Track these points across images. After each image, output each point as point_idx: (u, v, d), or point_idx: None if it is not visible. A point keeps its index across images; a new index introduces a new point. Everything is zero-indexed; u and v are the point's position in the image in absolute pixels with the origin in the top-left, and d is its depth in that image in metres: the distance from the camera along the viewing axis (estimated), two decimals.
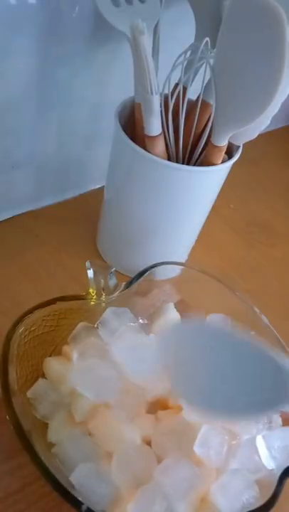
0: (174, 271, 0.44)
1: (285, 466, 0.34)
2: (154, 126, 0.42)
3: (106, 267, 0.41)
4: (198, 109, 0.43)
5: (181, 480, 0.33)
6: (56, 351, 0.40)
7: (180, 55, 0.42)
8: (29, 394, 0.36)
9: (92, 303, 0.40)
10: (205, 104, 0.44)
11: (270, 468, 0.35)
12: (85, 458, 0.33)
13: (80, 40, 0.45)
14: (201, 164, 0.45)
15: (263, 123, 0.43)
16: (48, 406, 0.36)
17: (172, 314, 0.42)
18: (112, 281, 0.41)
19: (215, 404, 0.31)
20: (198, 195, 0.46)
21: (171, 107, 0.42)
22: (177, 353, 0.33)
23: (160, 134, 0.43)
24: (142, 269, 0.42)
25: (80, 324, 0.40)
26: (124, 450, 0.34)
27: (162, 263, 0.43)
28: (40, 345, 0.39)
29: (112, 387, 0.36)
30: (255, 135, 0.45)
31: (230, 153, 0.45)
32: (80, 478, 0.32)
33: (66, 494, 0.30)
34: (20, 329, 0.36)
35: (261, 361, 0.30)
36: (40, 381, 0.37)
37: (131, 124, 0.46)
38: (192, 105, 0.44)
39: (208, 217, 0.51)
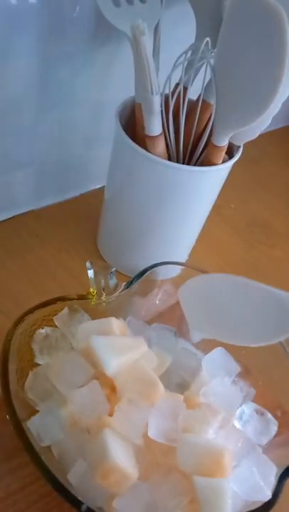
0: (175, 271, 0.44)
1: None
2: (154, 126, 0.42)
3: (106, 267, 0.41)
4: (198, 109, 0.43)
5: (171, 494, 0.32)
6: None
7: (180, 55, 0.42)
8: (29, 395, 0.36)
9: (92, 303, 0.40)
10: (205, 104, 0.44)
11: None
12: (83, 456, 0.33)
13: (81, 40, 0.45)
14: (202, 164, 0.45)
15: (263, 123, 0.43)
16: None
17: None
18: (113, 281, 0.41)
19: (228, 333, 0.36)
20: (198, 195, 0.46)
21: (171, 107, 0.42)
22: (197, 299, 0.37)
23: (160, 134, 0.43)
24: (142, 269, 0.42)
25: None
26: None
27: (163, 263, 0.43)
28: None
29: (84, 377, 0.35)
30: (256, 135, 0.45)
31: (230, 153, 0.45)
32: (77, 476, 0.32)
33: (66, 494, 0.30)
34: (21, 329, 0.36)
35: (265, 298, 0.33)
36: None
37: (131, 124, 0.46)
38: (193, 105, 0.44)
39: (209, 217, 0.51)
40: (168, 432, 0.34)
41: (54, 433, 0.34)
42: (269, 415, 0.39)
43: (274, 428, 0.39)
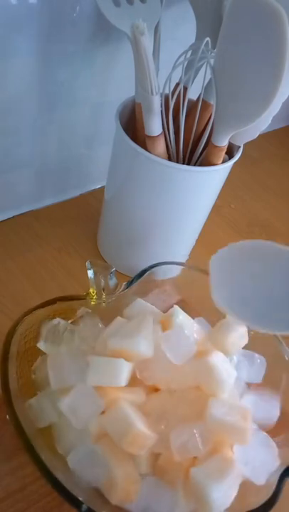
0: (174, 271, 0.44)
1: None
2: (154, 126, 0.42)
3: (106, 267, 0.41)
4: (198, 109, 0.43)
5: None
6: None
7: (181, 55, 0.42)
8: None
9: (92, 303, 0.40)
10: (205, 104, 0.44)
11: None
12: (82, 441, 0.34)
13: (81, 40, 0.45)
14: (202, 164, 0.45)
15: (263, 123, 0.43)
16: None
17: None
18: (113, 281, 0.41)
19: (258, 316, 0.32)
20: (198, 195, 0.46)
21: (171, 107, 0.42)
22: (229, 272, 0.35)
23: (161, 134, 0.43)
24: (142, 269, 0.42)
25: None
26: None
27: (162, 263, 0.43)
28: None
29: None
30: (256, 135, 0.45)
31: (230, 153, 0.45)
32: (76, 460, 0.33)
33: (66, 494, 0.30)
34: (21, 329, 0.36)
35: None
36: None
37: (132, 124, 0.46)
38: (193, 105, 0.44)
39: (209, 217, 0.51)
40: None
41: (50, 415, 0.35)
42: (256, 355, 0.41)
43: (263, 363, 0.40)
